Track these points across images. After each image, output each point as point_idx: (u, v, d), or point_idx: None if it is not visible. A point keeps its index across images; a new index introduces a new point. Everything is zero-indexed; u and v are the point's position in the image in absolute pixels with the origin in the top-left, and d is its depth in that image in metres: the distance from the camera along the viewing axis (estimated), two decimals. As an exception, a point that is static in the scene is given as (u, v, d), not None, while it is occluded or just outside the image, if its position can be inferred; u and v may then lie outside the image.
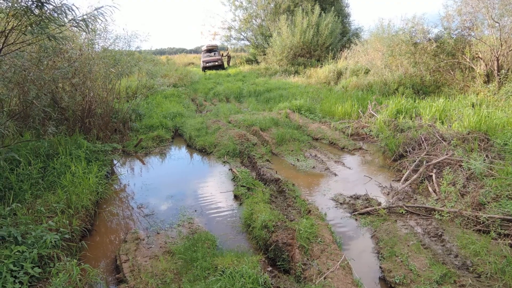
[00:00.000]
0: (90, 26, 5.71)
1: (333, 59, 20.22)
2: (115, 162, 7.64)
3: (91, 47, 8.08)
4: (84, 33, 7.36)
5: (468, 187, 4.90)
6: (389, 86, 12.33)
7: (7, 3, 4.65)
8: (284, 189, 5.50)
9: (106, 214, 5.33)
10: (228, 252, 3.92)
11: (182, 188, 6.32)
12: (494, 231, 3.88)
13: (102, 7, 5.73)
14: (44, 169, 5.70)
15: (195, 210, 5.33)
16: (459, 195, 4.79)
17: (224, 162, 7.44)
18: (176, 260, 3.92)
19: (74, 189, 5.08)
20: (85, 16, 5.42)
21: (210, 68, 26.95)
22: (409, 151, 6.86)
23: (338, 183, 6.16)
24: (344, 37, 25.52)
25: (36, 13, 4.88)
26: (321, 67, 19.13)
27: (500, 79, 10.05)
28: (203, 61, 27.47)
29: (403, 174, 6.06)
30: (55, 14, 4.98)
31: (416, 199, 5.12)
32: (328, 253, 3.67)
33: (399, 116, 9.19)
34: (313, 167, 6.88)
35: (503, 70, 10.30)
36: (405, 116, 9.10)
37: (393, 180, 6.10)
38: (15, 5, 4.73)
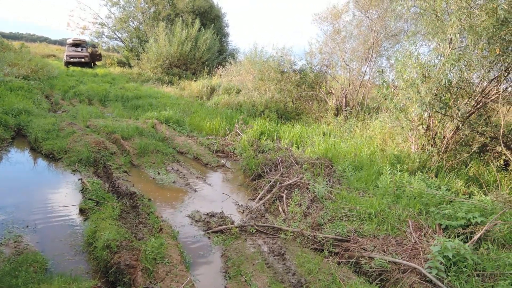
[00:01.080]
0: None
1: (208, 74, 20.57)
2: None
3: None
4: None
5: (311, 209, 5.40)
6: (257, 108, 13.06)
7: None
8: (138, 204, 5.17)
9: None
10: (58, 276, 3.41)
11: (15, 199, 5.34)
12: (327, 250, 4.33)
13: None
14: None
15: (27, 226, 4.55)
16: (303, 215, 5.24)
17: (74, 170, 6.64)
18: (-12, 288, 3.23)
19: None
20: None
21: (75, 64, 24.33)
22: (267, 172, 7.28)
23: (197, 199, 6.11)
24: (221, 55, 26.30)
25: None
26: (195, 80, 19.22)
27: (346, 114, 11.63)
28: (67, 55, 24.65)
29: (259, 193, 6.37)
30: None
31: (267, 218, 5.40)
32: (173, 275, 3.52)
33: (262, 137, 9.76)
34: (174, 182, 6.70)
35: (348, 107, 11.96)
36: (267, 138, 9.71)
37: (249, 199, 6.35)
38: None
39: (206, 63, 22.69)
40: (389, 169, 6.19)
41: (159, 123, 10.39)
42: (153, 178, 6.81)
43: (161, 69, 21.64)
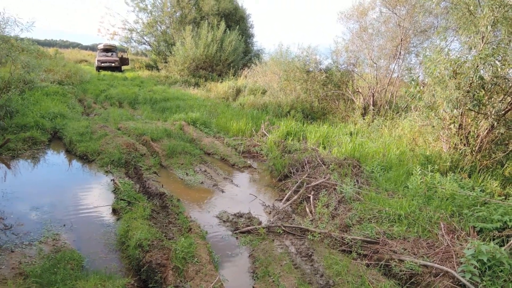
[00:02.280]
0: None
1: (233, 76, 20.73)
2: (-31, 164, 6.48)
3: None
4: None
5: (338, 210, 5.35)
6: (282, 108, 13.04)
7: None
8: (167, 205, 5.29)
9: None
10: (94, 274, 3.56)
11: (52, 199, 5.61)
12: (356, 252, 4.28)
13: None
14: None
15: (64, 225, 4.77)
16: (330, 216, 5.20)
17: (106, 171, 6.89)
18: (29, 283, 3.41)
19: None
20: None
21: (105, 68, 25.15)
22: (293, 172, 7.27)
23: (224, 200, 6.18)
24: (246, 56, 26.41)
25: None
26: (221, 82, 19.42)
27: (373, 113, 11.42)
28: (98, 60, 25.52)
29: (286, 194, 6.37)
30: None
31: (294, 219, 5.40)
32: (203, 274, 3.59)
33: (289, 137, 9.74)
34: (202, 183, 6.81)
35: (376, 106, 11.74)
36: (293, 138, 9.68)
37: (276, 200, 6.37)
38: None
39: (231, 65, 22.87)
40: (420, 170, 6.04)
41: (186, 124, 10.58)
42: (182, 179, 6.95)
43: (188, 71, 22.01)
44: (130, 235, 4.22)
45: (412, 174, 6.21)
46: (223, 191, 6.53)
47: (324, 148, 8.87)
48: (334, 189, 6.08)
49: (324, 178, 6.57)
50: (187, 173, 7.18)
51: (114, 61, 25.81)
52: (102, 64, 25.27)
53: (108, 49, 26.96)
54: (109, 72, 23.88)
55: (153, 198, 5.68)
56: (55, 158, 7.72)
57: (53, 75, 14.88)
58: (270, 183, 7.33)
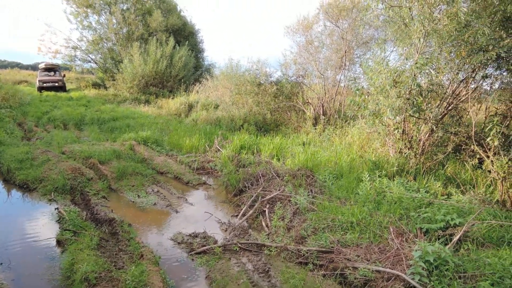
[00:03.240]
0: None
1: (185, 91, 20.50)
2: None
3: None
4: None
5: (294, 221, 5.38)
6: (236, 122, 13.04)
7: None
8: (117, 231, 5.03)
9: None
10: (34, 316, 3.28)
11: (-13, 235, 5.15)
12: (312, 263, 4.30)
13: None
14: None
15: (0, 264, 4.37)
16: (286, 229, 5.21)
17: (50, 200, 6.45)
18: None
19: None
20: None
21: (48, 89, 23.87)
22: (248, 187, 7.23)
23: (179, 220, 6.01)
24: (197, 71, 26.28)
25: None
26: (173, 98, 19.14)
27: (324, 122, 11.74)
28: (39, 81, 24.15)
29: (242, 209, 6.30)
30: None
31: (250, 235, 5.34)
32: (156, 303, 3.43)
33: (243, 151, 9.72)
34: (155, 204, 6.58)
35: (326, 115, 12.09)
36: (247, 152, 9.68)
37: (232, 216, 6.28)
38: None
39: (182, 80, 22.64)
40: (368, 176, 6.25)
41: (137, 144, 10.23)
42: (133, 201, 6.67)
43: (137, 88, 21.47)
44: (75, 268, 3.94)
45: (362, 180, 6.41)
46: (177, 211, 6.35)
47: (278, 160, 8.94)
48: (289, 200, 6.12)
49: (279, 190, 6.60)
50: (138, 195, 6.92)
51: (58, 80, 24.58)
52: (44, 85, 23.96)
53: (50, 69, 25.63)
54: (53, 93, 22.70)
55: (102, 225, 5.38)
56: (-9, 189, 7.13)
57: (-13, 98, 13.88)
58: (226, 199, 7.25)
